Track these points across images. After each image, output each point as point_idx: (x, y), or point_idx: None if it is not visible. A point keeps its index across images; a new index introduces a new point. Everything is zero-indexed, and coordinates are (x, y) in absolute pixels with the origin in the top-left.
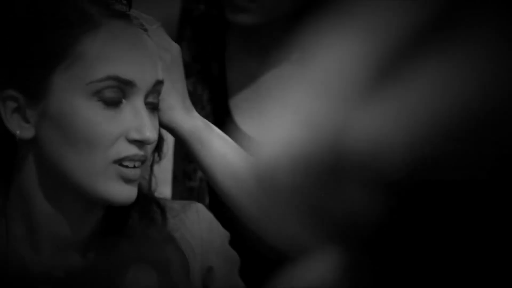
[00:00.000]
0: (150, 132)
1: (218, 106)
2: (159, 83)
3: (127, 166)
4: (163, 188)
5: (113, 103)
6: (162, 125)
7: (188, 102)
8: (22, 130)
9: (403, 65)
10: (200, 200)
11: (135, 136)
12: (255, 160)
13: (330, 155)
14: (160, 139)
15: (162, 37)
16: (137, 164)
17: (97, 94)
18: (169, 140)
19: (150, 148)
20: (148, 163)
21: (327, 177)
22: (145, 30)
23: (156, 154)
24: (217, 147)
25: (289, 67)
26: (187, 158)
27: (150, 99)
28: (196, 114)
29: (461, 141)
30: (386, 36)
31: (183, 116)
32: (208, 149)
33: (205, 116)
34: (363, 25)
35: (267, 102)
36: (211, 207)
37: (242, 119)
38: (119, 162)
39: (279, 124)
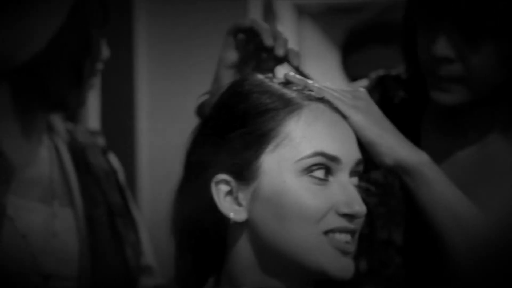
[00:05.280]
0: (360, 206)
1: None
2: (360, 163)
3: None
4: None
5: (321, 180)
6: (387, 167)
7: (404, 137)
8: (236, 212)
9: None
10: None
11: (345, 210)
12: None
13: None
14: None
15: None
16: (348, 237)
17: (306, 171)
18: None
19: (359, 223)
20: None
21: None
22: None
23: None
24: (439, 186)
25: (487, 151)
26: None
27: (353, 179)
28: (419, 149)
29: None
30: None
31: (408, 151)
32: (430, 186)
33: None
34: None
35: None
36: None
37: None
38: (330, 233)
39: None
